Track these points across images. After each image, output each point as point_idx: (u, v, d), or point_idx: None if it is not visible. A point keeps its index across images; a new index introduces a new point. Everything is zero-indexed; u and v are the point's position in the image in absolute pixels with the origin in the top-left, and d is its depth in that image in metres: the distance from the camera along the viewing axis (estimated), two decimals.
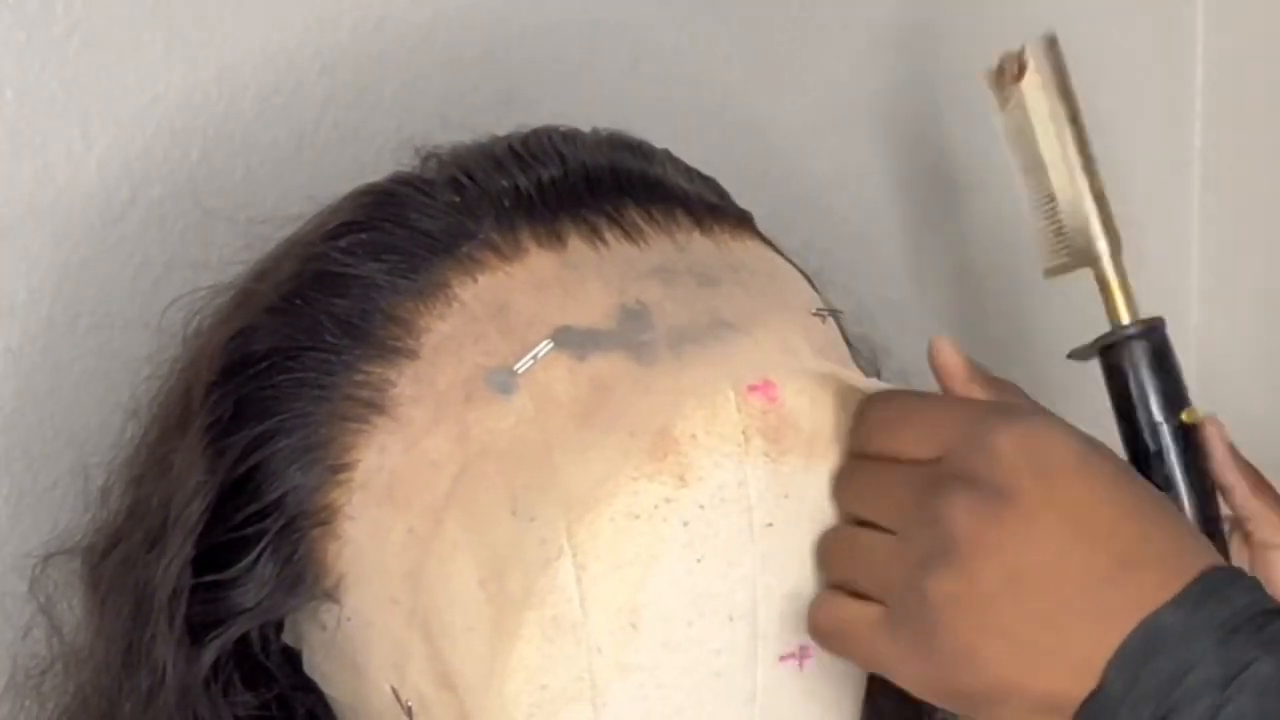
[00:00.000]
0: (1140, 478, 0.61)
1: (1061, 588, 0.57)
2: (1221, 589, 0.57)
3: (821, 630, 0.62)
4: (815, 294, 0.68)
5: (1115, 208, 1.05)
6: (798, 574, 0.63)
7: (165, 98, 0.75)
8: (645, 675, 0.61)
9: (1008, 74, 0.70)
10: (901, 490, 0.61)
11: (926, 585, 0.58)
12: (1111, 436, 0.70)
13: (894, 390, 0.64)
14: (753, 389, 0.61)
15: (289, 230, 0.67)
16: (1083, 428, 0.61)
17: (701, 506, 0.60)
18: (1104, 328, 0.77)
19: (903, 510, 0.60)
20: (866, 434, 0.63)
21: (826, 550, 0.63)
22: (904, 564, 0.60)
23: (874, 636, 0.60)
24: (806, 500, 0.62)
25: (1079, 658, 0.57)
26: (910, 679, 0.60)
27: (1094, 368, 0.77)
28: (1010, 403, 0.64)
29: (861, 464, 0.63)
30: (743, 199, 0.69)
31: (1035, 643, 0.57)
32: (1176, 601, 0.56)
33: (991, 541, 0.58)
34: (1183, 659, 0.56)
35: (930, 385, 0.79)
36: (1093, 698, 0.57)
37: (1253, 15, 1.16)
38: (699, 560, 0.60)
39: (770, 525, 0.61)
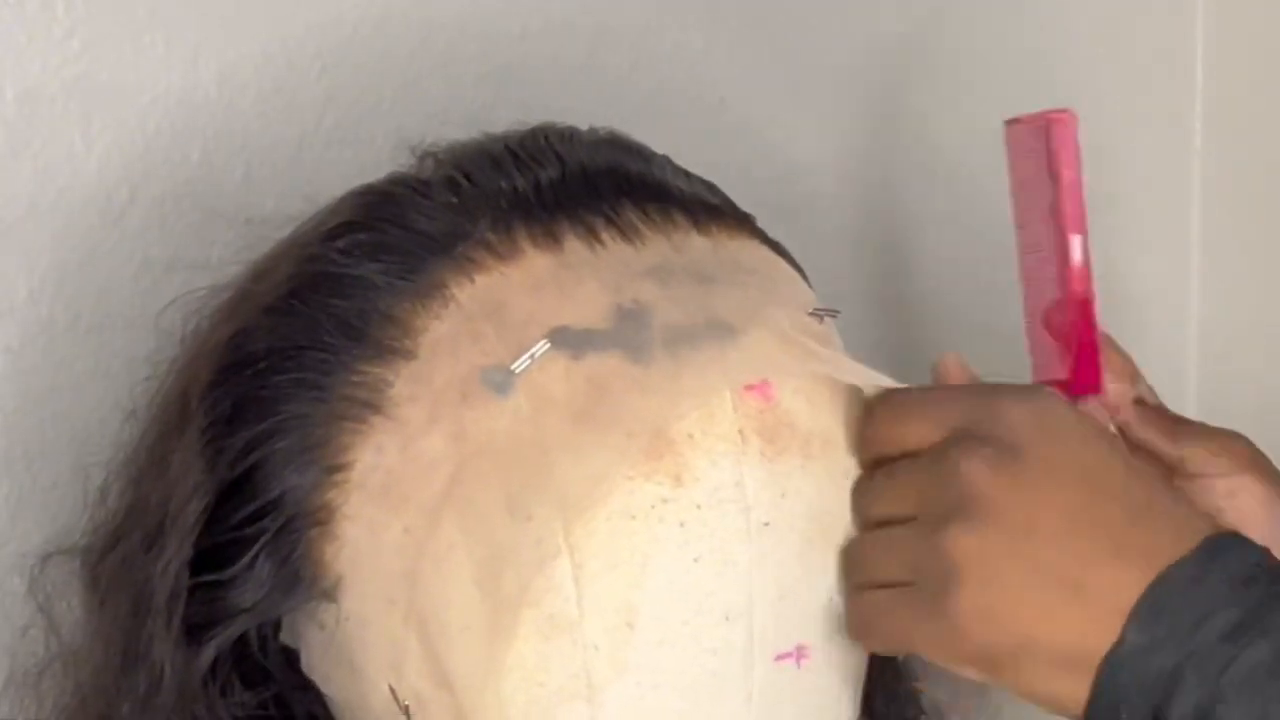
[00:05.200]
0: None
1: (1077, 540, 0.58)
2: (1230, 548, 0.58)
3: (853, 628, 0.63)
4: (813, 294, 0.68)
5: (1115, 208, 1.05)
6: (795, 573, 0.62)
7: (165, 98, 0.75)
8: (642, 674, 0.61)
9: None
10: (915, 473, 0.62)
11: (944, 544, 0.59)
12: None
13: (896, 388, 0.64)
14: (749, 388, 0.61)
15: (288, 230, 0.67)
16: None
17: (698, 506, 0.60)
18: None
19: (918, 488, 0.61)
20: (875, 435, 0.63)
21: (852, 556, 0.63)
22: (923, 532, 0.60)
23: (896, 611, 0.61)
24: (803, 499, 0.62)
25: (1099, 608, 0.58)
26: (932, 645, 0.61)
27: None
28: (1013, 384, 0.65)
29: (875, 470, 0.64)
30: (740, 201, 0.69)
31: (1054, 595, 0.58)
32: (1188, 558, 0.57)
33: (1007, 496, 0.59)
34: (1201, 608, 0.57)
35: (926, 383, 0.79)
36: (1114, 650, 0.57)
37: (1253, 15, 1.17)
38: (695, 560, 0.60)
39: (767, 525, 0.61)
